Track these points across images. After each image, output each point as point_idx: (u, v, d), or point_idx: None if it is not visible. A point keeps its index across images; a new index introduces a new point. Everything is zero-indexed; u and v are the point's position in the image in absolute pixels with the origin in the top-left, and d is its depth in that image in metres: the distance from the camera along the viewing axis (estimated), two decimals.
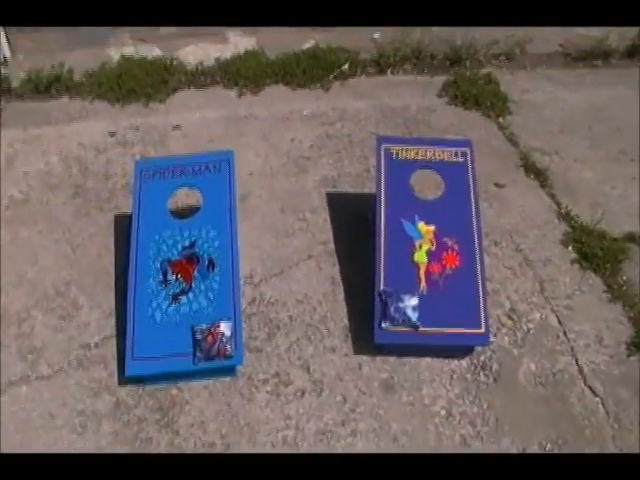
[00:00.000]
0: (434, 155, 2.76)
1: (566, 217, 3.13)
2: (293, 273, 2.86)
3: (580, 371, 2.54)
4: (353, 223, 3.10)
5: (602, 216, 3.05)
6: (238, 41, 4.30)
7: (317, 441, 2.31)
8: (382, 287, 2.51)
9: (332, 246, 3.00)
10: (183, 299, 2.48)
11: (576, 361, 2.57)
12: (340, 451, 2.28)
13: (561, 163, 3.43)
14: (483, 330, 2.46)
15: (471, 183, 2.71)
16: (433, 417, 2.39)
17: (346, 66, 4.03)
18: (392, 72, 4.13)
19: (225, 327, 2.37)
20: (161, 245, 2.58)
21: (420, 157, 2.75)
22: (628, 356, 2.59)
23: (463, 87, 3.89)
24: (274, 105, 3.84)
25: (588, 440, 2.33)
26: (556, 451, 2.30)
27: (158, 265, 2.54)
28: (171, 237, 2.59)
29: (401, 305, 2.43)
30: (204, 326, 2.37)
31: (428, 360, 2.56)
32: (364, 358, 2.57)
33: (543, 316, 2.72)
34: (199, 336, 2.35)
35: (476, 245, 2.61)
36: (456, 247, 2.59)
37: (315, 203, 3.20)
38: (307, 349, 2.58)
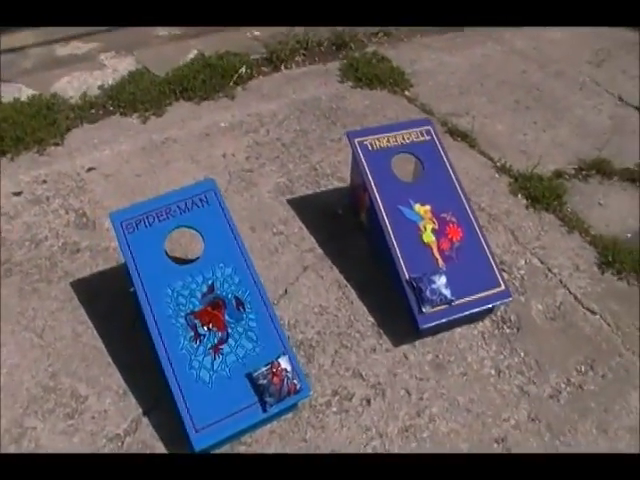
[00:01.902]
0: (404, 139, 2.84)
1: (504, 169, 3.42)
2: (298, 289, 2.78)
3: (575, 298, 2.85)
4: (328, 222, 3.08)
5: (538, 161, 3.38)
6: (115, 64, 3.96)
7: (404, 439, 2.32)
8: (407, 275, 2.55)
9: (320, 250, 2.96)
10: (224, 348, 2.29)
11: (568, 290, 2.87)
12: (428, 440, 2.30)
13: (475, 122, 3.71)
14: (503, 287, 2.64)
15: (444, 156, 2.85)
16: (488, 378, 2.53)
17: (243, 69, 3.91)
18: (286, 67, 4.09)
19: (285, 362, 2.25)
20: (177, 298, 2.33)
21: (392, 143, 2.81)
22: (602, 273, 2.95)
23: (362, 69, 4.00)
24: (186, 124, 3.62)
25: (608, 352, 2.64)
26: (590, 372, 2.55)
27: (183, 321, 2.30)
28: (185, 287, 2.36)
29: (434, 286, 2.50)
30: (264, 369, 2.22)
31: (458, 330, 2.68)
32: (405, 347, 2.61)
33: (527, 261, 2.98)
34: (263, 381, 2.20)
35: (470, 213, 2.77)
36: (454, 220, 2.72)
37: (281, 214, 3.12)
38: (350, 357, 2.55)
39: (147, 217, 2.43)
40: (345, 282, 2.83)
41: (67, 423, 2.32)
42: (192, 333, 2.29)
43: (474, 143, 3.57)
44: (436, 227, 2.70)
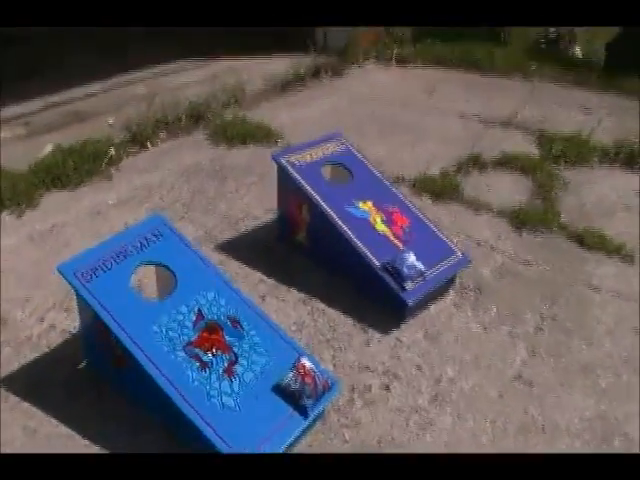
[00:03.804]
0: (324, 151, 3.00)
1: (400, 180, 3.76)
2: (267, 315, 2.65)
3: (510, 257, 3.18)
4: (263, 255, 3.09)
5: (427, 166, 3.78)
6: None
7: (438, 406, 2.34)
8: (378, 263, 2.62)
9: (270, 279, 2.93)
10: (237, 369, 2.12)
11: (502, 253, 3.20)
12: (460, 400, 2.34)
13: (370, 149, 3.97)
14: (460, 254, 2.85)
15: (365, 160, 3.06)
16: (479, 336, 2.71)
17: (112, 150, 3.82)
18: (152, 144, 4.09)
19: (307, 362, 2.13)
20: (167, 333, 2.13)
21: (315, 157, 2.96)
22: (520, 235, 3.36)
23: (230, 131, 4.17)
24: (70, 209, 3.41)
25: (557, 286, 2.98)
26: (554, 305, 2.83)
27: (183, 354, 2.09)
28: (172, 320, 2.16)
29: (409, 263, 2.61)
30: (290, 374, 2.08)
31: (432, 307, 2.83)
32: (395, 333, 2.68)
33: (457, 240, 3.21)
34: (296, 385, 2.07)
35: (406, 202, 2.96)
36: (397, 209, 2.90)
37: (215, 259, 3.01)
38: (348, 356, 2.54)
39: (103, 262, 2.22)
40: (308, 298, 2.81)
41: None
42: (197, 363, 2.09)
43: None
44: (384, 217, 2.84)
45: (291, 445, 2.08)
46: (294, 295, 2.81)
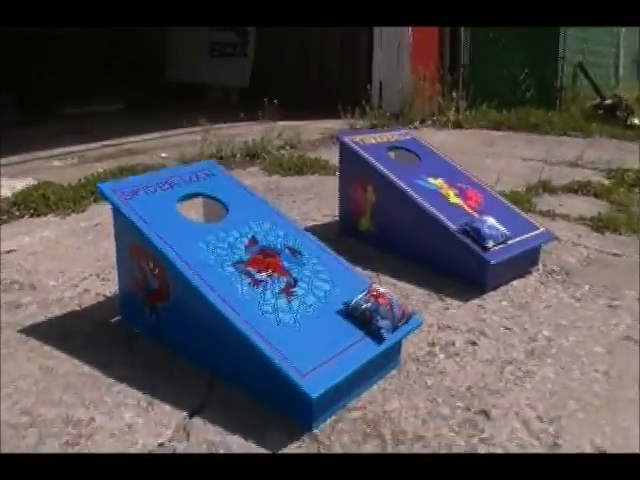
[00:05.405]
0: (389, 138, 2.88)
1: None
2: None
3: (596, 250, 2.85)
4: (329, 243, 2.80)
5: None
6: (13, 184, 3.62)
7: (537, 359, 1.95)
8: (455, 227, 2.35)
9: None
10: (297, 291, 1.83)
11: (585, 247, 2.87)
12: (561, 355, 1.95)
13: None
14: (543, 229, 2.58)
15: (433, 148, 2.90)
16: (572, 305, 2.33)
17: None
18: None
19: (382, 288, 1.81)
20: (215, 250, 1.86)
21: (379, 141, 2.83)
22: (603, 234, 3.02)
23: (286, 164, 4.12)
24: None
25: None
26: None
27: (232, 269, 1.82)
28: (221, 240, 1.92)
29: (489, 224, 2.33)
30: (361, 295, 1.75)
31: (514, 284, 2.49)
32: (475, 302, 2.34)
33: None
34: (367, 304, 1.73)
35: (480, 183, 2.74)
36: (470, 187, 2.67)
37: None
38: (425, 318, 2.14)
39: (146, 186, 2.03)
40: (375, 275, 2.50)
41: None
42: (249, 280, 1.81)
43: None
44: (457, 192, 2.61)
45: (363, 387, 1.73)
46: (359, 273, 2.52)
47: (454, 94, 6.02)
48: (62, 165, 4.12)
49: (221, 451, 1.53)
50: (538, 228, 2.58)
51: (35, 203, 3.28)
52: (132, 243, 1.93)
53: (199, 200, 2.21)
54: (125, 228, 1.94)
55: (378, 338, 1.70)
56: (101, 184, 2.02)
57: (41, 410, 1.68)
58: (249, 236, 1.96)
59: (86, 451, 1.54)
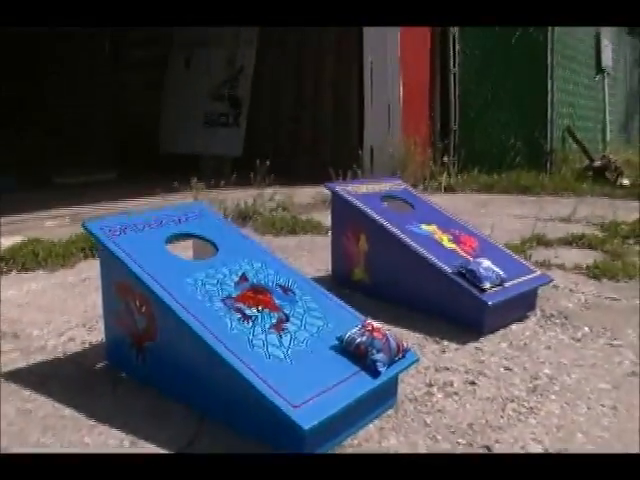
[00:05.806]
0: (381, 187, 2.90)
1: None
2: None
3: (594, 295, 2.81)
4: None
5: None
6: (2, 242, 3.54)
7: (540, 396, 1.88)
8: (450, 269, 2.32)
9: None
10: (289, 327, 1.78)
11: (583, 294, 2.83)
12: (564, 392, 1.88)
13: None
14: (539, 272, 2.56)
15: (425, 199, 2.91)
16: (573, 345, 2.28)
17: None
18: None
19: (376, 323, 1.75)
20: (204, 286, 1.82)
21: (371, 191, 2.82)
22: (600, 281, 3.00)
23: (278, 224, 4.12)
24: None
25: None
26: None
27: (220, 304, 1.77)
28: (210, 277, 1.87)
29: (485, 266, 2.31)
30: (355, 329, 1.70)
31: (513, 327, 2.44)
32: (473, 344, 2.29)
33: None
34: (362, 338, 1.67)
35: (473, 230, 2.73)
36: (464, 233, 2.66)
37: None
38: (421, 361, 2.06)
39: (134, 225, 2.01)
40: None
41: None
42: (238, 315, 1.76)
43: None
44: (451, 237, 2.60)
45: (358, 424, 1.65)
46: None
47: (445, 159, 6.14)
48: (54, 225, 4.10)
49: None
50: (534, 271, 2.55)
51: (24, 258, 3.24)
52: (118, 281, 1.88)
53: (188, 241, 2.19)
54: (111, 265, 1.90)
55: (374, 372, 1.64)
56: (88, 221, 1.99)
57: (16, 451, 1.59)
58: (239, 273, 1.92)
59: None
